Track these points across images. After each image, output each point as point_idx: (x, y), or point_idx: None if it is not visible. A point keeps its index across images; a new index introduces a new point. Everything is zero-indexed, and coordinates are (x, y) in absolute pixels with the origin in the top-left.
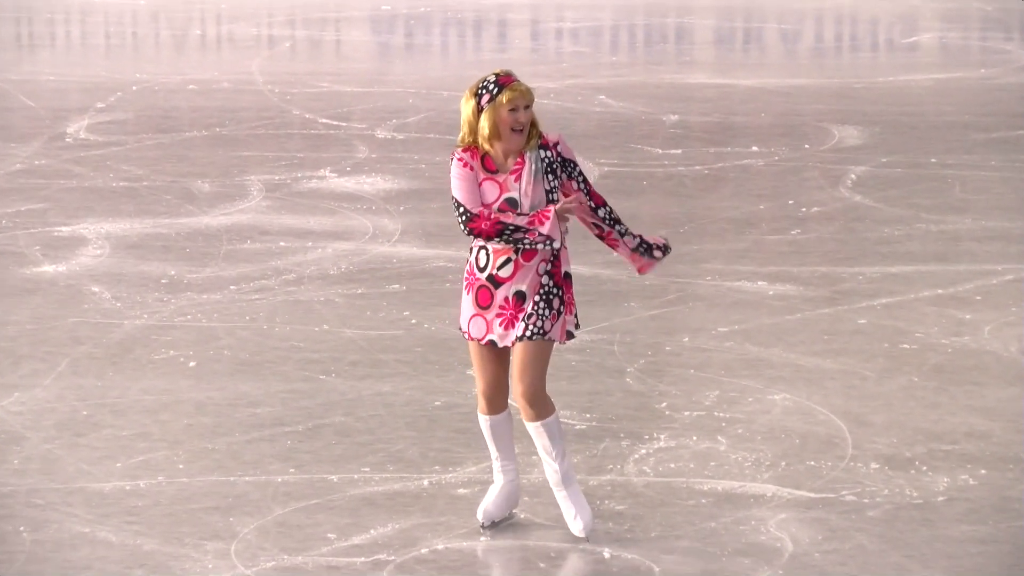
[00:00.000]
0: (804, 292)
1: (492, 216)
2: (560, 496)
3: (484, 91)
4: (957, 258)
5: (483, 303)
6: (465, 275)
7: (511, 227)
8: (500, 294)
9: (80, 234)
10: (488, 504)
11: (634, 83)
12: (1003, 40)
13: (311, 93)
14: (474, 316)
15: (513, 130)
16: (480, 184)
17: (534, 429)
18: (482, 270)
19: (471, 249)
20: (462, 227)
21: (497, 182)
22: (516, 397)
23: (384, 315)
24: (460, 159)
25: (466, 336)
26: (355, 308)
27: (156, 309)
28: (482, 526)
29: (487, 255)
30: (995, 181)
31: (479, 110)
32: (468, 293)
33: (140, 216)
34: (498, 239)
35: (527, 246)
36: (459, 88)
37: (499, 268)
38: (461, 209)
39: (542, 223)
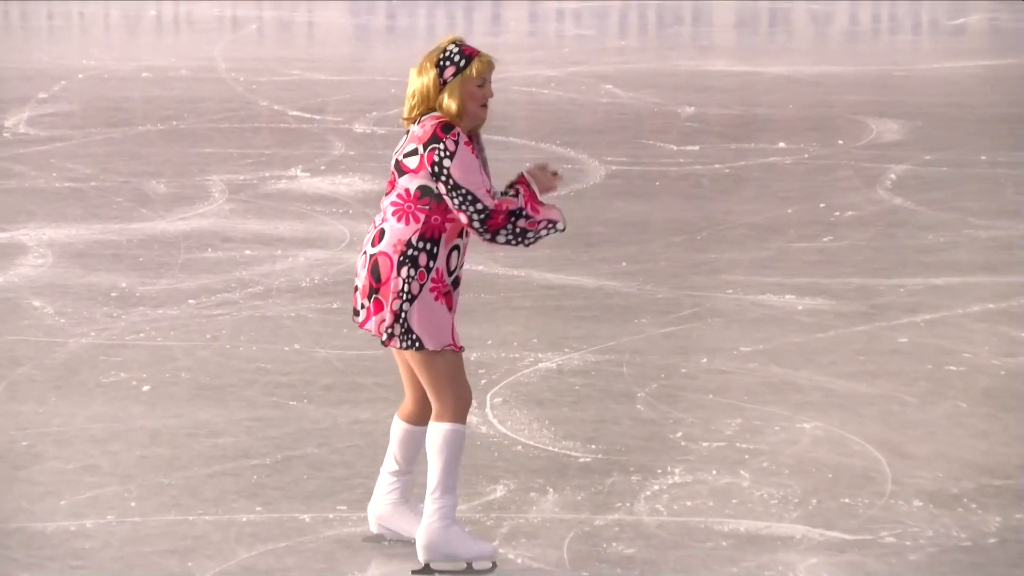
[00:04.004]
0: (837, 307)
1: (504, 208)
2: (407, 510)
3: (448, 63)
4: (1009, 268)
5: (452, 308)
6: (431, 283)
7: (523, 216)
8: (456, 296)
9: (19, 241)
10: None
11: (645, 71)
12: None
13: (280, 82)
14: (453, 324)
15: (481, 105)
16: None
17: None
18: (452, 272)
19: (427, 252)
20: (478, 227)
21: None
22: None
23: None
24: (466, 142)
25: (453, 349)
26: (330, 325)
27: (105, 326)
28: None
29: (459, 255)
30: None
31: (441, 83)
32: (442, 302)
33: (87, 221)
34: (506, 239)
35: (532, 240)
36: None
37: (462, 267)
38: (479, 206)
39: (537, 209)
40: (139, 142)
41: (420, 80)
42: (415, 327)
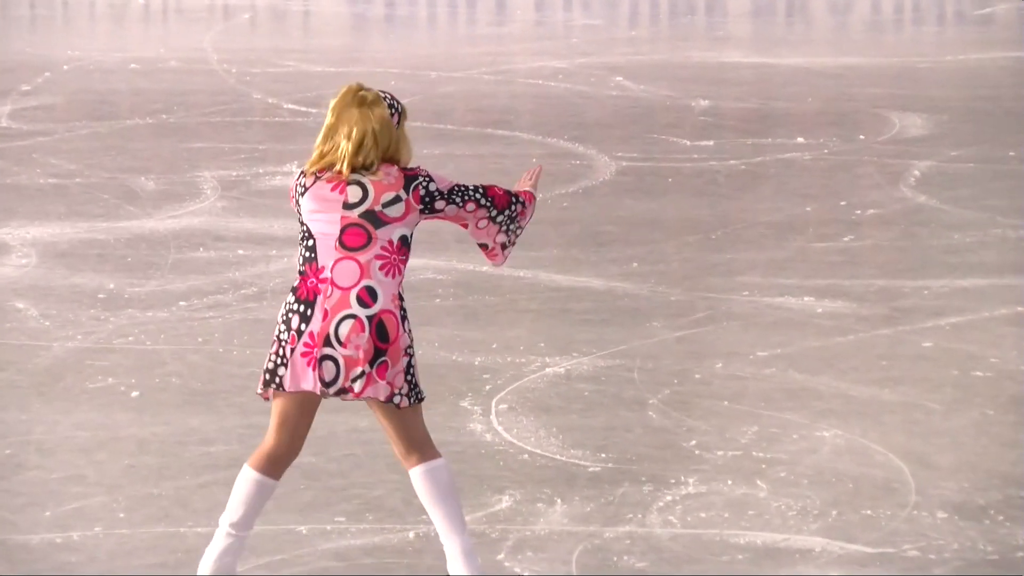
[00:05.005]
0: (858, 310)
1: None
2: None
3: (393, 111)
4: None
5: None
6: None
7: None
8: None
9: (1, 240)
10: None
11: (657, 62)
12: None
13: (274, 74)
14: None
15: None
16: None
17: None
18: None
19: (402, 305)
20: (485, 202)
21: None
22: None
23: None
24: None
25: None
26: None
27: (91, 329)
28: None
29: None
30: None
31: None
32: None
33: (72, 219)
34: (509, 216)
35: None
36: (449, 68)
37: None
38: (472, 186)
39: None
40: (126, 136)
41: (372, 126)
42: (418, 379)
